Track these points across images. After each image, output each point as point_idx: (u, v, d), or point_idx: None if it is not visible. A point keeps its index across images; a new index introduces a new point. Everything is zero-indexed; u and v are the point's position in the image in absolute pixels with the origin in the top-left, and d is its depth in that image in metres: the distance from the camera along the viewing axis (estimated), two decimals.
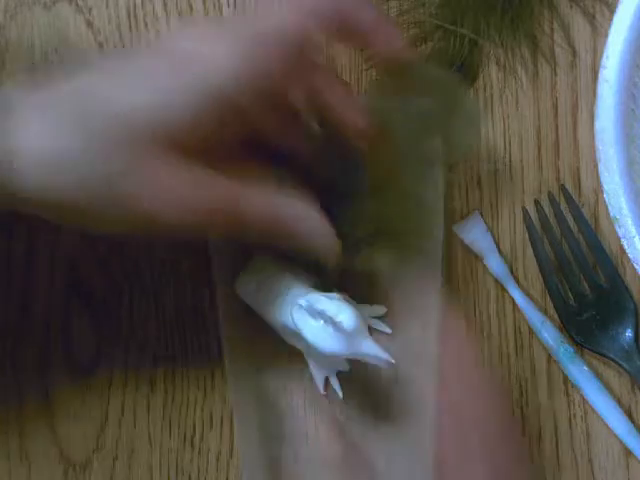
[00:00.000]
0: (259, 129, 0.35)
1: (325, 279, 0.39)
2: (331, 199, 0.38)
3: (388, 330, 0.40)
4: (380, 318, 0.41)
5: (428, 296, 0.41)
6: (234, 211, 0.34)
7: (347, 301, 0.38)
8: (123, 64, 0.33)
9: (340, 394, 0.39)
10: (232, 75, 0.32)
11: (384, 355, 0.36)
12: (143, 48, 0.35)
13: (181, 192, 0.32)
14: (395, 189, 0.40)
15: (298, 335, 0.37)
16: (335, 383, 0.39)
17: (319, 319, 0.36)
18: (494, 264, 0.42)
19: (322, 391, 0.40)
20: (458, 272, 0.43)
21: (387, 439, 0.40)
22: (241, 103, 0.33)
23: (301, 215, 0.36)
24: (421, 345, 0.40)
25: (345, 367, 0.39)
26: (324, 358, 0.38)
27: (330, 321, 0.35)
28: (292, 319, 0.37)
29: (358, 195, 0.39)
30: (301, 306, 0.36)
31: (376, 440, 0.41)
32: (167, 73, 0.32)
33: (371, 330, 0.40)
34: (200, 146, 0.33)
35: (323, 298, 0.37)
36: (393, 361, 0.36)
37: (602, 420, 0.41)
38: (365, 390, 0.40)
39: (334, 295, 0.38)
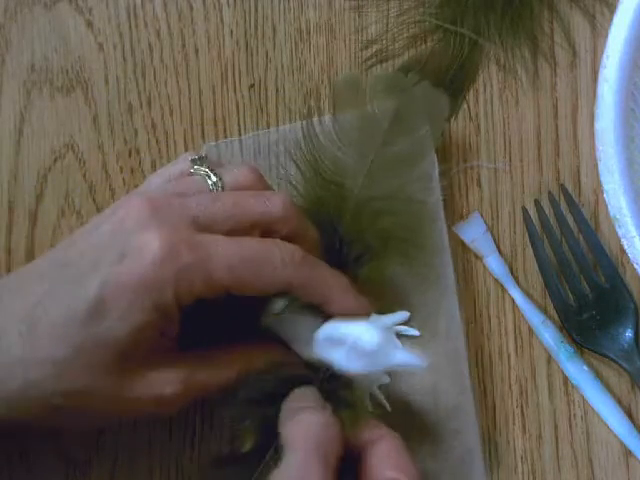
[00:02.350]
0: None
1: None
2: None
3: (416, 333, 0.41)
4: (405, 323, 0.41)
5: (445, 292, 0.41)
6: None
7: (365, 317, 0.38)
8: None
9: (388, 407, 0.39)
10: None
11: (417, 360, 0.36)
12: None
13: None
14: (392, 197, 0.40)
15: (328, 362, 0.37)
16: (380, 396, 0.39)
17: (342, 346, 0.36)
18: (494, 264, 0.42)
19: (370, 408, 0.39)
20: (458, 272, 0.43)
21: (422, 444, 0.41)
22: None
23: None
24: (451, 340, 0.41)
25: (385, 380, 0.39)
26: (362, 375, 0.38)
27: (353, 345, 0.36)
28: (317, 352, 0.37)
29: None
30: (321, 339, 0.37)
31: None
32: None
33: (399, 336, 0.41)
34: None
35: (339, 324, 0.37)
36: (427, 363, 0.36)
37: (602, 420, 0.41)
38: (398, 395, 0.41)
39: (349, 318, 0.38)
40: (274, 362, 0.38)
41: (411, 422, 0.40)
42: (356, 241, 0.40)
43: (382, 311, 0.40)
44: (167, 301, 0.34)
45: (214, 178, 0.38)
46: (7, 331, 0.34)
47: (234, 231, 0.36)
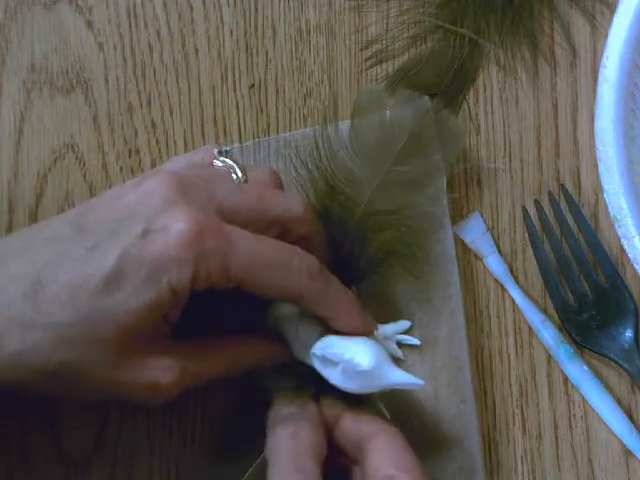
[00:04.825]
0: None
1: None
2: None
3: (417, 342, 0.41)
4: (407, 332, 0.41)
5: (449, 301, 0.41)
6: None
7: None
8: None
9: (387, 415, 0.39)
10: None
11: (412, 380, 0.36)
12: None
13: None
14: (398, 212, 0.40)
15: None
16: (379, 405, 0.39)
17: (337, 365, 0.36)
18: (494, 264, 0.42)
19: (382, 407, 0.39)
20: (458, 272, 0.43)
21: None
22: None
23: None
24: (453, 348, 0.41)
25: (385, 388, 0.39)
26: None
27: (348, 365, 0.36)
28: (314, 366, 0.37)
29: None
30: (316, 356, 0.37)
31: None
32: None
33: (400, 345, 0.41)
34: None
35: (336, 341, 0.37)
36: (422, 383, 0.36)
37: (602, 420, 0.41)
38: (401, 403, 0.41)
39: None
40: (264, 358, 0.38)
41: (411, 431, 0.40)
42: (360, 252, 0.40)
43: (384, 320, 0.40)
44: (183, 283, 0.33)
45: (239, 173, 0.37)
46: (6, 290, 0.33)
47: (255, 224, 0.36)
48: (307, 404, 0.37)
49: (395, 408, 0.39)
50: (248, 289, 0.35)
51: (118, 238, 0.33)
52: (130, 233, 0.33)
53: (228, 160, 0.38)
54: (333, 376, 0.36)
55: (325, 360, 0.36)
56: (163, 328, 0.35)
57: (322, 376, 0.37)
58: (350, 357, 0.36)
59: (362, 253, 0.40)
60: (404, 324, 0.41)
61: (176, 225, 0.33)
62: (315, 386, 0.38)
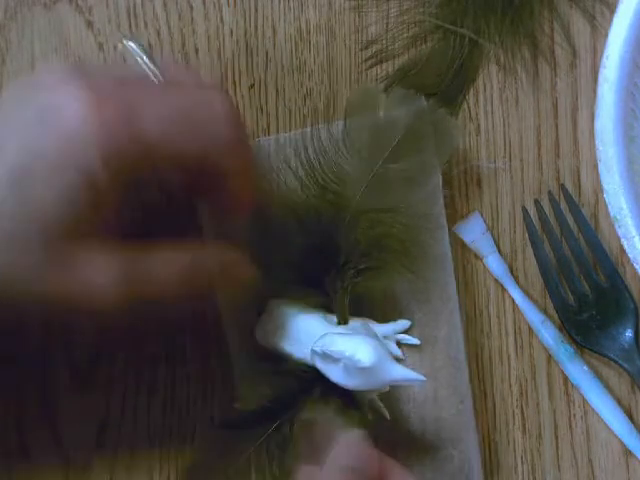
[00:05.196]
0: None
1: (341, 307, 0.39)
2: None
3: (417, 342, 0.41)
4: (407, 331, 0.41)
5: (447, 301, 0.41)
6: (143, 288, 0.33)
7: (365, 327, 0.38)
8: None
9: (387, 415, 0.39)
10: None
11: (414, 376, 0.36)
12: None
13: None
14: (391, 210, 0.40)
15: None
16: (379, 404, 0.39)
17: (338, 362, 0.36)
18: (494, 264, 0.42)
19: (369, 416, 0.39)
20: (458, 272, 0.43)
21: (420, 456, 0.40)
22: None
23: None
24: (452, 348, 0.41)
25: (384, 387, 0.39)
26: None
27: (349, 361, 0.36)
28: (315, 364, 0.37)
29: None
30: (317, 353, 0.37)
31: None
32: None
33: (400, 345, 0.41)
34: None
35: (337, 338, 0.37)
36: (424, 378, 0.36)
37: (602, 420, 0.41)
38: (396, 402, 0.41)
39: (350, 328, 0.38)
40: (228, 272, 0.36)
41: (410, 430, 0.40)
42: (353, 250, 0.40)
43: (383, 320, 0.40)
44: (93, 164, 0.30)
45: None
46: None
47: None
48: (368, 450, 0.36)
49: (394, 408, 0.39)
50: (168, 157, 0.32)
51: (14, 132, 0.31)
52: (26, 122, 0.31)
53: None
54: (334, 373, 0.37)
55: (326, 357, 0.36)
56: (101, 226, 0.32)
57: (322, 374, 0.37)
58: (351, 354, 0.36)
59: (356, 250, 0.40)
60: (404, 323, 0.41)
61: (68, 101, 0.30)
62: (317, 386, 0.38)
